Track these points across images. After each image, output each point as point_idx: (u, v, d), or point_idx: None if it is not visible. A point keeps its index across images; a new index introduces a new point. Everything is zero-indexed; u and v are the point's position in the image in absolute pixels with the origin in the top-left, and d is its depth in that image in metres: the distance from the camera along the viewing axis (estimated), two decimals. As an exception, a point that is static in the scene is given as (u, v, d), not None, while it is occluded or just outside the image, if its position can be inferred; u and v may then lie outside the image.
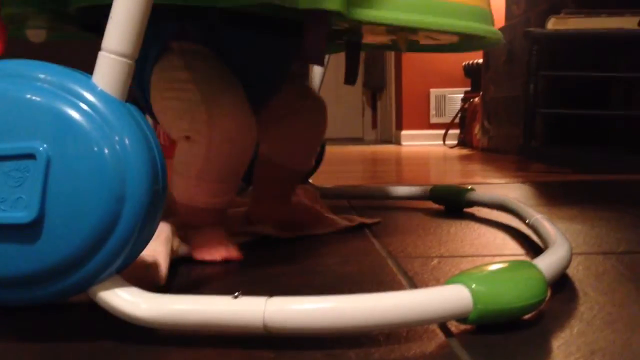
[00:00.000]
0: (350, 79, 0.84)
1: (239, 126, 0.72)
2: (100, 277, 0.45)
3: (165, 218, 0.76)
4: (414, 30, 0.74)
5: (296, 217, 0.91)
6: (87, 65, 0.47)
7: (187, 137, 0.72)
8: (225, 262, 0.72)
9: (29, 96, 0.43)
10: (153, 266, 0.60)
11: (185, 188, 0.74)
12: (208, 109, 0.70)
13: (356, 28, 0.79)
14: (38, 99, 0.43)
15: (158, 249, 0.63)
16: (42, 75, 0.44)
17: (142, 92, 0.77)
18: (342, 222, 0.94)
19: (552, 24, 2.21)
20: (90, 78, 0.45)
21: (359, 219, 0.96)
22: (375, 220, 0.98)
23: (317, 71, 1.17)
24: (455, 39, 0.80)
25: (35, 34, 0.78)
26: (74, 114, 0.43)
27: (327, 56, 1.12)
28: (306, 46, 0.68)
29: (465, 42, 0.81)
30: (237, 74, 0.75)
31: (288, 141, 0.89)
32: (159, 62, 0.73)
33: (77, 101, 0.43)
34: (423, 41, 0.83)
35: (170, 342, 0.47)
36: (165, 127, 0.76)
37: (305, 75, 0.89)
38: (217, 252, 0.73)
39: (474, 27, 0.67)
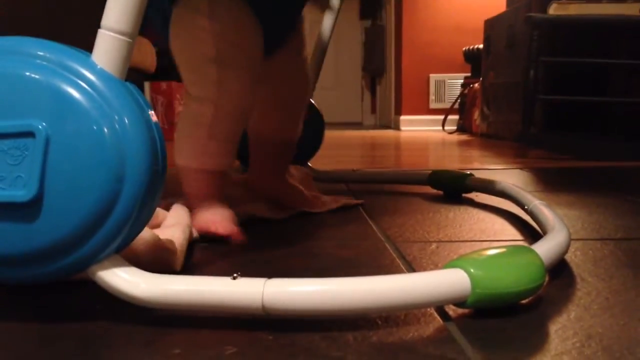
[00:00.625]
0: (366, 13, 0.85)
1: (245, 89, 0.73)
2: (99, 256, 0.45)
3: (172, 198, 0.77)
4: None
5: (290, 198, 0.92)
6: (87, 43, 0.46)
7: (196, 98, 0.72)
8: (226, 239, 0.73)
9: (28, 74, 0.43)
10: (171, 251, 0.60)
11: (193, 148, 0.74)
12: (219, 69, 0.71)
13: None
14: (37, 76, 0.43)
15: (176, 235, 0.63)
16: (41, 53, 0.44)
17: (164, 26, 0.76)
18: (331, 204, 0.95)
19: (553, 10, 2.20)
20: (89, 56, 0.45)
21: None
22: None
23: (327, 19, 1.17)
24: None
25: None
26: (73, 92, 0.43)
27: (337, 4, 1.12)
28: None
29: None
30: (258, 10, 0.75)
31: (275, 101, 0.90)
32: (181, 1, 0.73)
33: (76, 79, 0.43)
34: None
35: (169, 322, 0.47)
36: (178, 67, 0.76)
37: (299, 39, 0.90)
38: (222, 227, 0.72)
39: None
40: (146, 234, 0.57)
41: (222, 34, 0.72)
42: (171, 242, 0.61)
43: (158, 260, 0.58)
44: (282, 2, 0.80)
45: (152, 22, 0.70)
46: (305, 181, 1.02)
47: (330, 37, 1.19)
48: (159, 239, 0.59)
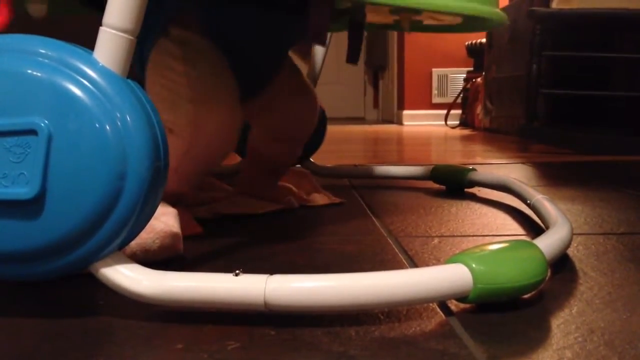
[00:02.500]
0: (352, 58, 0.84)
1: (221, 130, 0.73)
2: (102, 253, 0.45)
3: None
4: (417, 10, 0.73)
5: (277, 198, 0.93)
6: (89, 41, 0.46)
7: (171, 130, 0.72)
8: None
9: (30, 71, 0.43)
10: (176, 236, 0.63)
11: None
12: (195, 108, 0.71)
13: (359, 7, 0.78)
14: (39, 74, 0.43)
15: (171, 222, 0.65)
16: (43, 51, 0.44)
17: (142, 71, 0.77)
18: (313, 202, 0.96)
19: (556, 3, 2.20)
20: (91, 54, 0.45)
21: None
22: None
23: (318, 50, 1.17)
24: (459, 19, 0.79)
25: (36, 9, 0.78)
26: (75, 89, 0.43)
27: (328, 35, 1.11)
28: (310, 25, 0.68)
29: (469, 22, 0.81)
30: (236, 57, 0.75)
31: (276, 134, 0.91)
32: (157, 47, 0.73)
33: (78, 77, 0.43)
34: (426, 22, 0.83)
35: (171, 318, 0.47)
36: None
37: (306, 58, 0.89)
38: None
39: (478, 9, 0.67)
40: (153, 221, 0.59)
41: (196, 76, 0.72)
42: (173, 226, 0.63)
43: (165, 247, 0.61)
44: (257, 59, 0.80)
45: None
46: (300, 181, 1.02)
47: (321, 68, 1.18)
48: (165, 226, 0.62)
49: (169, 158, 0.47)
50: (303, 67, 0.93)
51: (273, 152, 0.91)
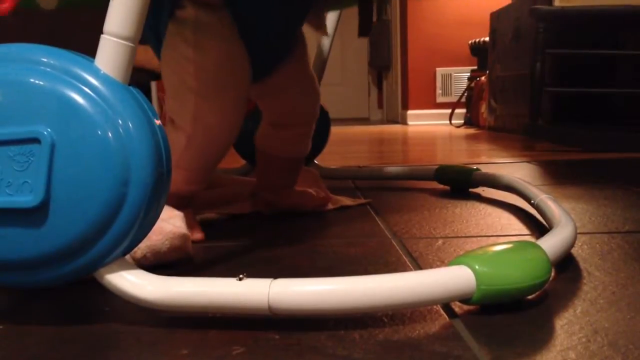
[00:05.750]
0: (363, 31, 0.84)
1: (222, 124, 0.73)
2: (106, 260, 0.45)
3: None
4: None
5: (300, 205, 0.92)
6: (90, 48, 0.47)
7: (172, 121, 0.72)
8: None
9: (32, 80, 0.43)
10: (186, 237, 0.64)
11: None
12: (196, 100, 0.71)
13: None
14: (42, 83, 0.43)
15: (178, 223, 0.66)
16: (44, 59, 0.44)
17: (158, 47, 0.76)
18: (336, 203, 0.96)
19: (559, 1, 2.19)
20: (93, 62, 0.45)
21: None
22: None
23: (324, 43, 1.17)
24: None
25: (46, 1, 0.78)
26: (77, 97, 0.43)
27: (333, 27, 1.11)
28: None
29: None
30: (249, 35, 0.74)
31: (277, 118, 0.89)
32: (172, 26, 0.72)
33: (81, 85, 0.43)
34: None
35: (176, 323, 0.48)
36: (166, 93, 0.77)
37: (304, 53, 0.88)
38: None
39: None
40: (161, 224, 0.60)
41: (204, 66, 0.71)
42: (182, 227, 0.65)
43: (175, 248, 0.63)
44: (273, 31, 0.79)
45: (147, 41, 0.69)
46: (314, 183, 1.01)
47: (328, 52, 1.18)
48: (173, 227, 0.63)
49: (171, 164, 0.48)
50: (311, 53, 0.91)
51: (279, 144, 0.89)
